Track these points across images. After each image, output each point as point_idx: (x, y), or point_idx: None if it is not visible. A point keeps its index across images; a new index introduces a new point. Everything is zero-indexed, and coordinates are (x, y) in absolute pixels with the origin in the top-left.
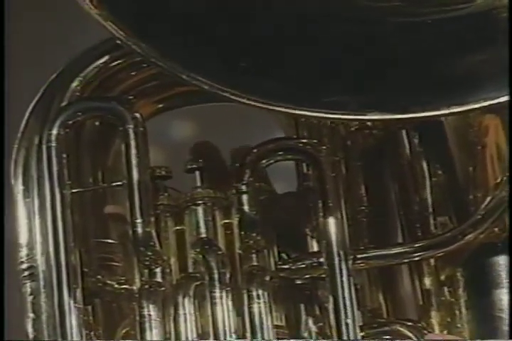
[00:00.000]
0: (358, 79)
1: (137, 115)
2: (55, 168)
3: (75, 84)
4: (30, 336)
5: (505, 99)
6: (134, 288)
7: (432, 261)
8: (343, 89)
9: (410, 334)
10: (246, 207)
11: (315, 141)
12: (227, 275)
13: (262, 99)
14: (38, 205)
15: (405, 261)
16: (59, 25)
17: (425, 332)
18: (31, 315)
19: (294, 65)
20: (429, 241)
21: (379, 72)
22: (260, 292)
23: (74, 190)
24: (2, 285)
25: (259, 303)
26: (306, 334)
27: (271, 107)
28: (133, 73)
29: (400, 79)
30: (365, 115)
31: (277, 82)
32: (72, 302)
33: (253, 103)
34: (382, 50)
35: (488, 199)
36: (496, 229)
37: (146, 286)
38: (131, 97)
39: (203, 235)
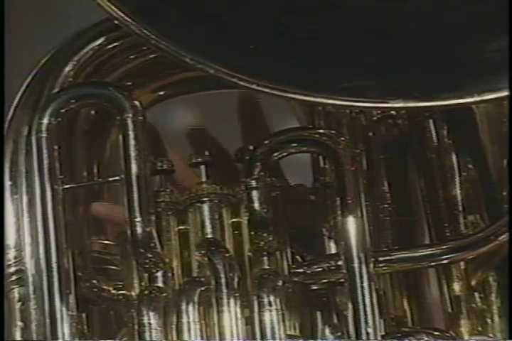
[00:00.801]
0: (379, 63)
1: (136, 103)
2: (45, 162)
3: (67, 68)
4: None
5: None
6: (133, 293)
7: (462, 264)
8: (363, 74)
9: None
10: (256, 205)
11: (333, 131)
12: (236, 280)
13: (273, 85)
14: (26, 202)
15: (432, 264)
16: (54, 6)
17: None
18: (20, 323)
19: (308, 47)
20: (459, 242)
21: (402, 55)
22: (272, 298)
23: (66, 186)
24: (2, 289)
25: (270, 311)
26: None
27: (283, 94)
28: (132, 56)
29: (426, 63)
30: (387, 103)
31: (290, 66)
32: (64, 309)
33: (263, 89)
34: (405, 32)
35: None
36: None
37: (146, 292)
38: (129, 83)
39: (209, 235)
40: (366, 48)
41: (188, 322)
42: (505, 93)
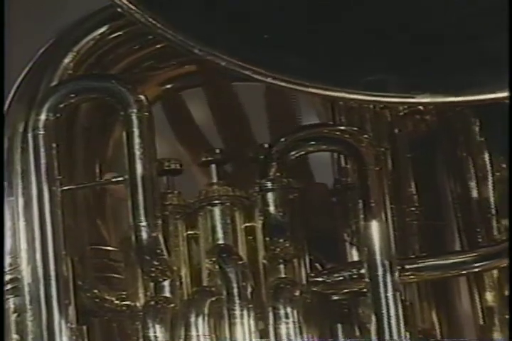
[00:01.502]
0: (405, 55)
1: (141, 97)
2: (43, 161)
3: (67, 60)
4: None
5: None
6: (138, 304)
7: (495, 272)
8: (387, 67)
9: None
10: (272, 208)
11: (355, 128)
12: (249, 290)
13: (290, 78)
14: (22, 205)
15: (463, 272)
16: None
17: None
18: (15, 336)
19: (328, 38)
20: (492, 248)
21: (429, 46)
22: (289, 310)
23: (65, 187)
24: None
25: (287, 323)
26: None
27: (301, 88)
28: (136, 47)
29: (455, 55)
30: (413, 97)
31: (308, 57)
32: (63, 321)
33: (280, 83)
34: (432, 22)
35: None
36: None
37: (152, 302)
38: (134, 76)
39: (220, 241)
40: (389, 40)
41: (198, 336)
42: None
